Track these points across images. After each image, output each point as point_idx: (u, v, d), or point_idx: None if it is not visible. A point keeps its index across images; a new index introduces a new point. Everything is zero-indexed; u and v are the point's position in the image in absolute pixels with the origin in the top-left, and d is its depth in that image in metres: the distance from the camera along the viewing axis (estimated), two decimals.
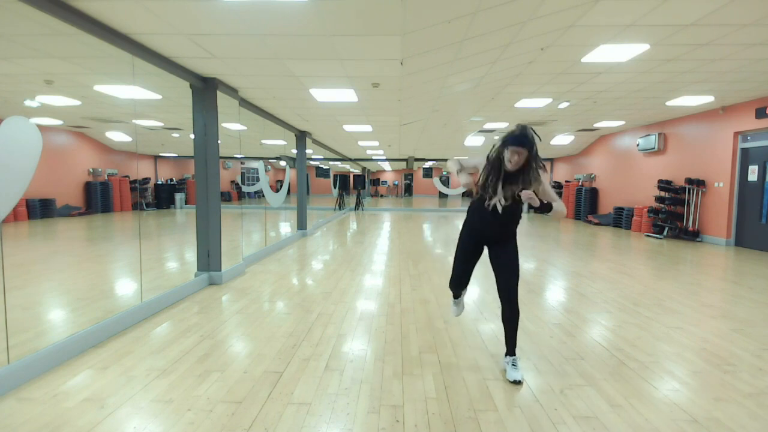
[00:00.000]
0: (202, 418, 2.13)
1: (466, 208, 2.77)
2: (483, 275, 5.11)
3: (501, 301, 2.62)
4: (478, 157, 2.59)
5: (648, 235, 9.64)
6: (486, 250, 2.73)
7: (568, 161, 15.67)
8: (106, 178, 14.25)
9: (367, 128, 9.54)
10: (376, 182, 32.59)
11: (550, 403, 2.30)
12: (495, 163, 2.48)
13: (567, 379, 2.57)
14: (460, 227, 2.80)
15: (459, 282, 2.85)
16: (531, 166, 2.41)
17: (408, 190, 34.49)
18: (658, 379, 2.59)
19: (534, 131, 2.41)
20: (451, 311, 3.30)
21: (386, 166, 29.97)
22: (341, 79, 5.17)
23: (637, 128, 10.74)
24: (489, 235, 2.63)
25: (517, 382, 2.48)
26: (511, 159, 2.38)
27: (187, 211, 16.41)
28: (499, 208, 2.48)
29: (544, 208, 2.35)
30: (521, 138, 2.35)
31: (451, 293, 3.13)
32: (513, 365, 2.58)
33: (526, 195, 2.30)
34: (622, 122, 9.99)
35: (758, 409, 2.24)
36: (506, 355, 2.66)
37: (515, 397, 2.37)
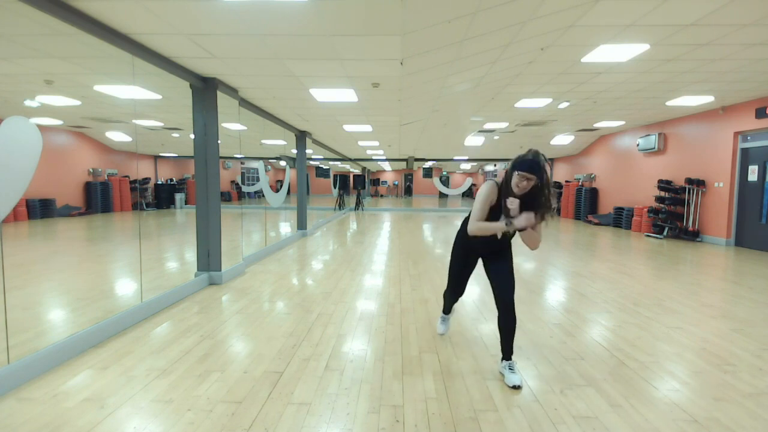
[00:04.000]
0: (202, 418, 2.13)
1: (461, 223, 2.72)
2: (483, 275, 5.11)
3: (499, 310, 2.58)
4: (483, 192, 2.47)
5: (648, 235, 9.64)
6: (481, 260, 2.78)
7: (568, 161, 15.67)
8: (106, 178, 14.24)
9: (367, 128, 9.54)
10: (376, 182, 32.59)
11: (550, 403, 2.30)
12: (503, 187, 2.41)
13: (567, 379, 2.57)
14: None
15: (455, 291, 2.95)
16: (541, 193, 2.33)
17: (408, 190, 34.49)
18: (658, 379, 2.59)
19: (545, 158, 2.32)
20: (438, 328, 3.28)
21: (386, 166, 29.97)
22: (341, 79, 5.17)
23: (637, 128, 10.74)
24: (486, 250, 2.68)
25: (517, 387, 2.43)
26: (519, 184, 2.31)
27: (187, 211, 16.41)
28: (498, 235, 2.49)
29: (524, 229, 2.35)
30: (532, 164, 2.27)
31: (441, 307, 3.23)
32: (510, 369, 2.55)
33: (520, 221, 2.29)
34: (622, 122, 9.99)
35: (758, 409, 2.24)
36: (502, 359, 2.61)
37: (515, 397, 2.37)
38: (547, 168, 2.34)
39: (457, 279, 2.90)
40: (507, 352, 2.59)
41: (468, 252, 2.76)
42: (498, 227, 2.39)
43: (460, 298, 3.11)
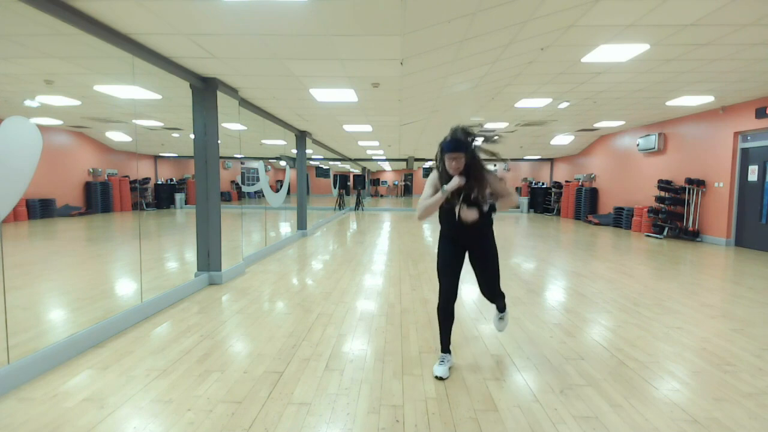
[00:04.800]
0: (202, 418, 2.13)
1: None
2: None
3: (483, 295, 2.83)
4: (428, 180, 2.62)
5: (648, 235, 9.64)
6: (467, 256, 2.73)
7: (568, 161, 15.67)
8: (106, 178, 14.25)
9: (367, 128, 9.54)
10: (376, 182, 32.59)
11: (550, 403, 2.30)
12: (442, 172, 2.51)
13: (567, 379, 2.57)
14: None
15: (447, 294, 2.61)
16: (474, 166, 2.43)
17: (408, 190, 34.48)
18: (658, 379, 2.59)
19: (467, 130, 2.43)
20: (435, 370, 2.61)
21: (386, 166, 29.97)
22: (341, 79, 5.17)
23: (637, 128, 10.74)
24: (464, 238, 2.63)
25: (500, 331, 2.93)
26: (450, 166, 2.41)
27: (187, 211, 16.41)
28: (465, 216, 2.48)
29: (483, 214, 2.46)
30: (453, 143, 2.38)
31: (438, 338, 2.82)
32: (500, 319, 2.90)
33: (450, 184, 2.37)
34: (622, 122, 9.99)
35: (758, 409, 2.24)
36: (497, 310, 2.90)
37: (515, 397, 2.37)
38: (474, 137, 2.42)
39: (446, 275, 2.62)
40: (500, 308, 2.86)
41: (451, 243, 2.65)
42: (437, 197, 2.46)
43: (455, 317, 2.78)
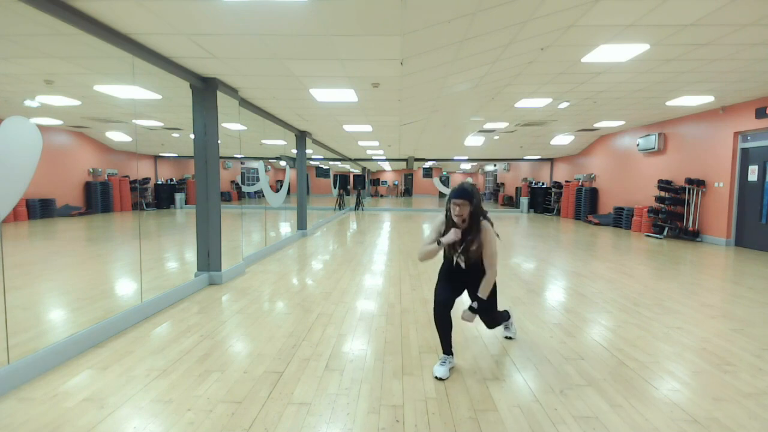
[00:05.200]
0: (202, 418, 2.13)
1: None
2: None
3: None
4: (436, 221, 2.74)
5: (648, 235, 9.64)
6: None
7: (568, 161, 15.67)
8: (106, 178, 14.25)
9: (367, 128, 9.54)
10: (376, 182, 32.59)
11: (550, 403, 2.30)
12: (448, 219, 2.64)
13: (567, 379, 2.57)
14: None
15: (441, 303, 2.64)
16: (474, 217, 2.57)
17: (408, 190, 34.48)
18: (658, 379, 2.59)
19: (474, 186, 2.63)
20: (435, 370, 2.62)
21: (386, 166, 29.97)
22: (341, 79, 5.17)
23: (637, 128, 10.74)
24: (465, 283, 2.78)
25: (509, 338, 3.13)
26: (454, 211, 2.55)
27: (187, 211, 16.41)
28: (462, 264, 2.67)
29: (476, 309, 2.64)
30: (460, 191, 2.55)
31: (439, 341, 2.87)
32: (506, 327, 3.19)
33: (446, 238, 2.56)
34: (622, 122, 9.99)
35: (758, 409, 2.24)
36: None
37: (515, 397, 2.37)
38: (476, 193, 2.60)
39: (441, 287, 2.74)
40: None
41: (450, 276, 2.79)
42: (432, 248, 2.61)
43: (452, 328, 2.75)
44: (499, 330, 3.36)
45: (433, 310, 2.69)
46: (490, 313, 2.79)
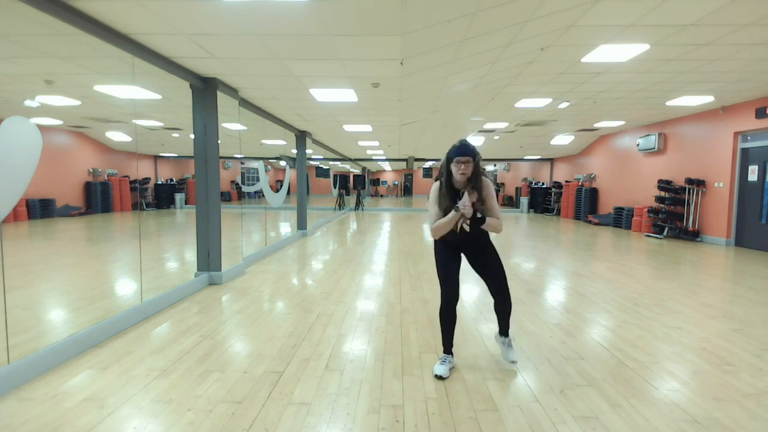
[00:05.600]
0: (202, 418, 2.13)
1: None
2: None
3: (494, 298, 2.71)
4: (432, 195, 2.65)
5: (648, 235, 9.64)
6: (469, 261, 2.77)
7: (568, 161, 15.67)
8: (106, 178, 14.25)
9: (367, 128, 9.54)
10: (376, 182, 32.59)
11: (550, 403, 2.30)
12: (447, 185, 2.55)
13: (567, 379, 2.57)
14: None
15: (448, 293, 2.63)
16: (477, 171, 2.50)
17: (408, 190, 34.47)
18: (658, 379, 2.59)
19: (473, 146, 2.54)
20: (435, 369, 2.62)
21: (386, 166, 29.97)
22: (341, 79, 5.17)
23: (637, 128, 10.74)
24: (463, 246, 2.69)
25: (514, 362, 2.63)
26: (459, 170, 2.47)
27: (187, 211, 16.41)
28: (466, 228, 2.55)
29: (479, 220, 2.49)
30: (463, 148, 2.47)
31: (441, 341, 2.84)
32: (509, 346, 2.71)
33: (464, 202, 2.40)
34: (622, 122, 9.99)
35: (758, 409, 2.24)
36: (500, 335, 2.71)
37: (515, 397, 2.37)
38: (477, 149, 2.51)
39: (445, 277, 2.65)
40: (504, 329, 2.69)
41: (448, 248, 2.68)
42: (451, 218, 2.49)
43: (457, 317, 2.79)
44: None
45: (442, 305, 2.62)
46: (499, 273, 2.64)
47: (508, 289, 2.66)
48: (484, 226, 2.52)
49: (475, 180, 2.51)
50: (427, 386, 2.48)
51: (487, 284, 2.71)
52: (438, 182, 2.60)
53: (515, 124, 9.93)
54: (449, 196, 2.53)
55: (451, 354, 2.70)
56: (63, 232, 9.30)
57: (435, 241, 2.73)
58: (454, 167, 2.48)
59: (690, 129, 9.05)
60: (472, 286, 4.70)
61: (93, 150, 13.71)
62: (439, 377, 2.55)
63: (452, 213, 2.48)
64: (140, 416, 2.14)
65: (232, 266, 5.29)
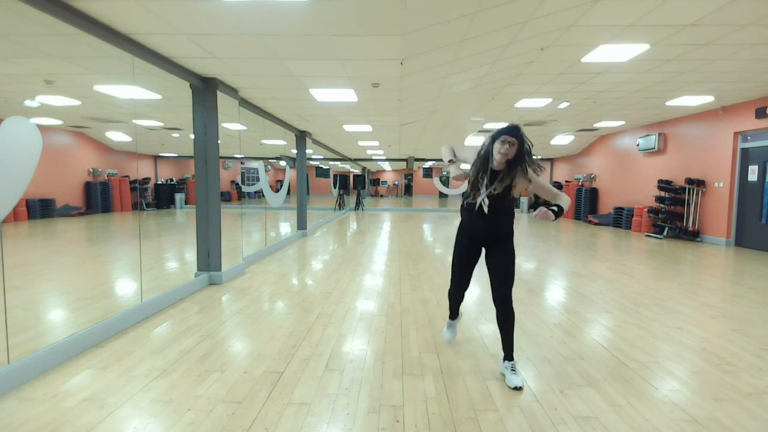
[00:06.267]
0: (202, 418, 2.13)
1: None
2: (483, 276, 5.11)
3: (495, 303, 2.57)
4: (470, 152, 2.59)
5: (648, 235, 9.64)
6: (483, 254, 2.70)
7: (568, 161, 15.67)
8: (106, 178, 14.24)
9: (367, 128, 9.54)
10: (376, 182, 32.59)
11: (550, 403, 2.30)
12: (483, 159, 2.48)
13: (567, 379, 2.57)
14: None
15: (459, 284, 2.77)
16: (520, 159, 2.41)
17: (408, 190, 34.47)
18: (658, 379, 2.59)
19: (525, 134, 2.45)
20: (444, 334, 3.09)
21: (386, 166, 29.97)
22: (341, 79, 5.16)
23: (637, 128, 10.74)
24: (481, 235, 2.60)
25: (518, 389, 2.43)
26: (501, 149, 2.38)
27: (187, 211, 16.41)
28: (485, 207, 2.49)
29: (557, 212, 2.30)
30: (512, 129, 2.39)
31: (441, 307, 3.15)
32: (512, 370, 2.53)
33: (541, 215, 2.26)
34: (622, 122, 9.99)
35: (758, 409, 2.24)
36: (504, 359, 2.60)
37: (515, 397, 2.37)
38: (527, 140, 2.42)
39: (459, 269, 2.72)
40: (508, 352, 2.58)
41: (469, 240, 2.66)
42: (455, 176, 2.58)
43: (463, 300, 3.01)
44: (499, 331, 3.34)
45: (450, 286, 2.86)
46: (507, 279, 2.54)
47: (511, 300, 2.54)
48: (559, 211, 2.31)
49: (515, 165, 2.40)
50: (427, 386, 2.48)
51: (491, 285, 2.60)
52: (477, 157, 2.52)
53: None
54: (480, 169, 2.48)
55: (458, 315, 2.97)
56: (63, 232, 9.30)
57: (458, 229, 2.76)
58: (498, 144, 2.40)
59: (690, 129, 9.05)
60: (472, 287, 4.67)
61: (93, 150, 13.71)
62: (448, 341, 3.05)
63: (465, 166, 2.52)
64: (140, 416, 2.14)
65: (232, 266, 5.29)
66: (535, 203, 2.54)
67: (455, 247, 2.76)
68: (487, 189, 2.46)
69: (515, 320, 2.60)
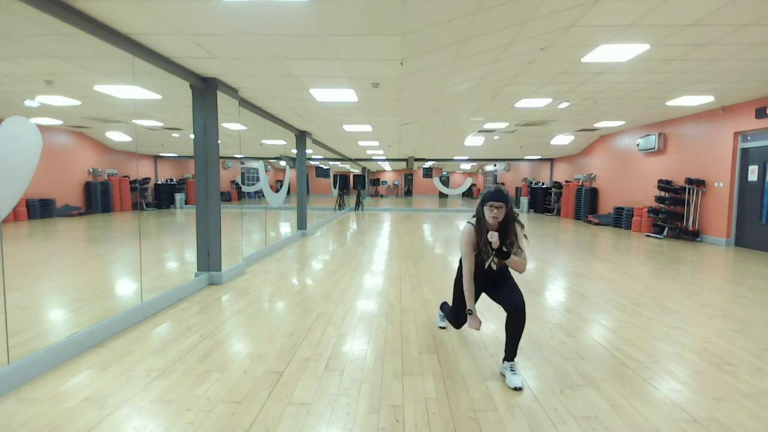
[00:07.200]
0: (202, 418, 2.13)
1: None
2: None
3: (508, 311, 2.60)
4: (464, 237, 2.72)
5: (648, 235, 9.64)
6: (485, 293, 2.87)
7: (568, 161, 15.67)
8: (106, 178, 14.25)
9: (367, 128, 9.54)
10: (376, 182, 32.59)
11: (550, 403, 2.30)
12: (481, 222, 2.66)
13: (567, 379, 2.57)
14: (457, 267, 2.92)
15: (458, 317, 2.96)
16: (511, 218, 2.61)
17: (408, 190, 34.47)
18: (658, 379, 2.59)
19: (506, 190, 2.66)
20: (438, 321, 3.45)
21: (386, 166, 29.97)
22: (341, 79, 5.17)
23: (637, 128, 10.74)
24: (489, 284, 2.79)
25: (518, 389, 2.44)
26: (491, 214, 2.58)
27: (187, 211, 16.41)
28: (494, 266, 2.69)
29: (504, 254, 2.57)
30: (498, 193, 2.58)
31: (441, 306, 3.33)
32: (512, 371, 2.54)
33: (493, 238, 2.52)
34: (622, 122, 9.99)
35: (758, 409, 2.24)
36: (504, 360, 2.61)
37: (515, 397, 2.37)
38: (510, 196, 2.64)
39: (459, 311, 2.93)
40: (511, 353, 2.59)
41: (476, 282, 2.81)
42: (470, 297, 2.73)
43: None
44: (499, 329, 3.35)
45: (452, 320, 3.03)
46: (515, 287, 2.68)
47: (524, 306, 2.58)
48: (507, 261, 2.60)
49: (505, 224, 2.62)
50: (427, 386, 2.48)
51: (503, 302, 2.65)
52: (468, 225, 2.71)
53: (515, 124, 9.93)
54: (481, 234, 2.65)
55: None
56: (63, 232, 9.30)
57: (456, 278, 2.93)
58: (486, 210, 2.60)
59: (690, 129, 9.05)
60: None
61: (93, 150, 13.71)
62: (442, 328, 3.32)
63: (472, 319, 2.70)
64: (140, 416, 2.14)
65: (232, 266, 5.29)
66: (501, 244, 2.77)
67: (457, 287, 2.91)
68: (492, 251, 2.60)
69: None
